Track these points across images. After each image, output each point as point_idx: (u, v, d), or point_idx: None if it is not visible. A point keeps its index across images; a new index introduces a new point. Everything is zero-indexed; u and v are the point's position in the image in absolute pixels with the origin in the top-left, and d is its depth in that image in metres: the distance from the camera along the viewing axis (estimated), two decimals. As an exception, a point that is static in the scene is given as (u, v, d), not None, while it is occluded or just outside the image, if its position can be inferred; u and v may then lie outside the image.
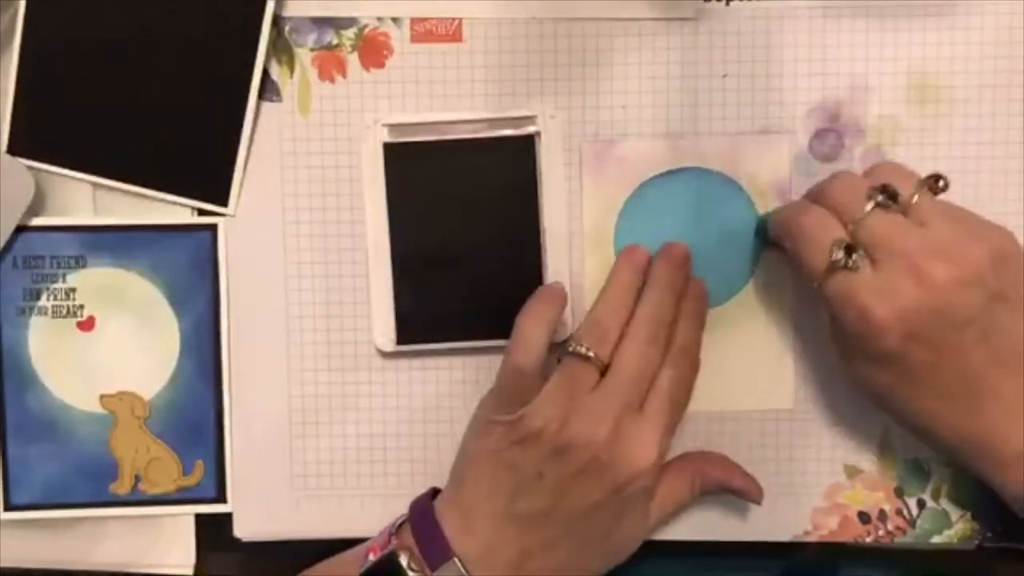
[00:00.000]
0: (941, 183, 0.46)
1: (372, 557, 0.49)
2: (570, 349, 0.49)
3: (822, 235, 0.46)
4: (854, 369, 0.48)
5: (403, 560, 0.47)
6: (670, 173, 0.53)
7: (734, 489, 0.52)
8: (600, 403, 0.48)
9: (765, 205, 0.53)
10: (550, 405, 0.47)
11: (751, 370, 0.53)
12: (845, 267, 0.45)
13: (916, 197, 0.46)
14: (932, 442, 0.48)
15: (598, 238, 0.53)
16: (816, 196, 0.48)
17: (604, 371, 0.49)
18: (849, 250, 0.45)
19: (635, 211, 0.53)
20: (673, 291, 0.50)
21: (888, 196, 0.45)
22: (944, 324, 0.44)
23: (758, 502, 0.52)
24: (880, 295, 0.44)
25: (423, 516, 0.49)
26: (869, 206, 0.45)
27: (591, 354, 0.48)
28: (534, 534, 0.48)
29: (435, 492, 0.51)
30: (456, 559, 0.47)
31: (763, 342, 0.53)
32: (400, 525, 0.50)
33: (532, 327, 0.49)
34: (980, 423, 0.45)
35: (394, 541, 0.48)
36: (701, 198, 0.53)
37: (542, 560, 0.48)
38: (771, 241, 0.51)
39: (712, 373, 0.53)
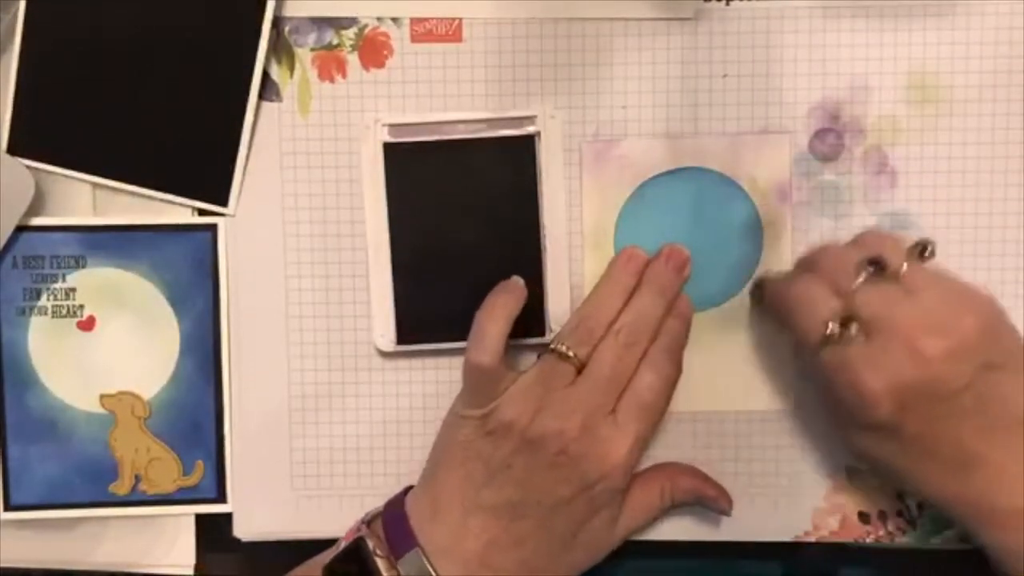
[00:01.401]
0: (928, 251, 0.47)
1: (344, 544, 0.49)
2: (552, 347, 0.49)
3: (817, 307, 0.46)
4: (848, 437, 0.49)
5: (370, 544, 0.48)
6: (670, 173, 0.53)
7: (705, 498, 0.52)
8: (572, 399, 0.48)
9: (765, 205, 0.53)
10: (523, 398, 0.48)
11: (751, 370, 0.53)
12: (841, 340, 0.46)
13: (905, 266, 0.46)
14: (924, 500, 0.49)
15: (598, 238, 0.53)
16: (807, 267, 0.49)
17: (582, 370, 0.49)
18: (844, 323, 0.46)
19: (635, 211, 0.53)
20: (664, 295, 0.50)
21: (878, 268, 0.46)
22: (936, 396, 0.45)
23: (727, 513, 0.52)
24: (874, 368, 0.45)
25: (392, 506, 0.50)
26: (860, 279, 0.46)
27: (571, 353, 0.49)
28: (501, 526, 0.48)
29: (411, 489, 0.52)
30: (419, 548, 0.48)
31: (763, 342, 0.53)
32: (374, 516, 0.50)
33: (488, 324, 0.49)
34: (972, 486, 0.46)
35: (364, 529, 0.49)
36: (701, 198, 0.53)
37: (508, 554, 0.48)
38: (763, 305, 0.52)
39: (712, 373, 0.53)
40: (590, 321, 0.50)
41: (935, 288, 0.46)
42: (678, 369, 0.51)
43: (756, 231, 0.53)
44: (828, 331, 0.46)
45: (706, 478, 0.52)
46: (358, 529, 0.50)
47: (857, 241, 0.49)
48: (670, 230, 0.52)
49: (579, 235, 0.53)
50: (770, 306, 0.51)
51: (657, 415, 0.50)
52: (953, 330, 0.45)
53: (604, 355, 0.49)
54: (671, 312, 0.51)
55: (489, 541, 0.48)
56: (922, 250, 0.47)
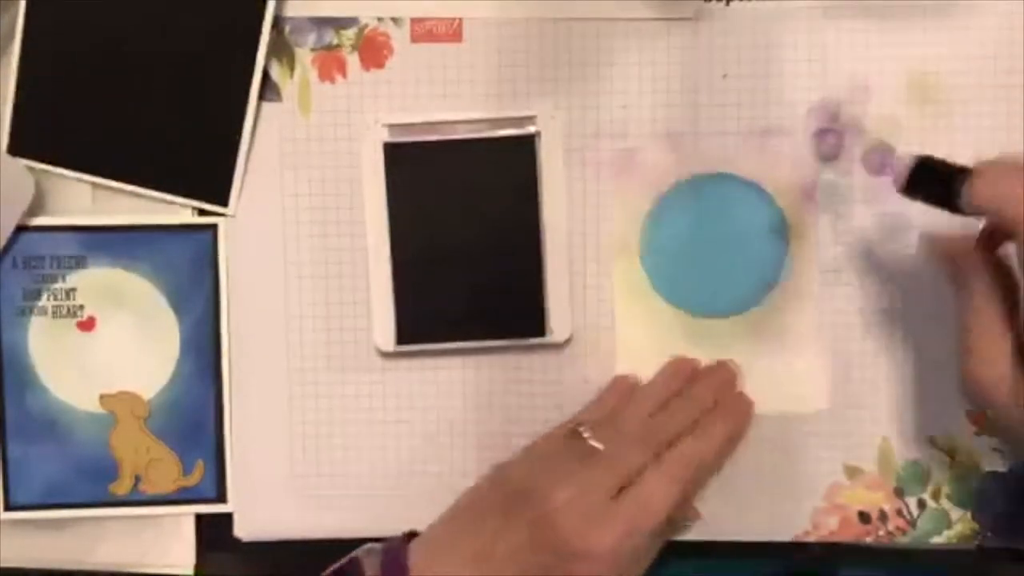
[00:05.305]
0: None
1: None
2: (575, 428, 0.49)
3: None
4: None
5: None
6: (689, 181, 0.52)
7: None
8: (577, 472, 0.47)
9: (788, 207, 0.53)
10: (541, 473, 0.48)
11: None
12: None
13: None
14: None
15: (626, 242, 0.53)
16: None
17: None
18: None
19: (659, 218, 0.53)
20: (695, 408, 0.51)
21: None
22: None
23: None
24: None
25: (390, 552, 0.49)
26: None
27: (598, 446, 0.48)
28: None
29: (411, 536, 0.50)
30: None
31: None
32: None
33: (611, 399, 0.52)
34: None
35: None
36: (723, 205, 0.52)
37: None
38: None
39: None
40: (626, 425, 0.50)
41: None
42: (684, 491, 0.49)
43: (775, 234, 0.53)
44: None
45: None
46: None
47: None
48: (692, 235, 0.52)
49: (579, 235, 0.53)
50: None
51: (662, 515, 0.47)
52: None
53: (620, 446, 0.48)
54: (700, 433, 0.50)
55: None
56: None
